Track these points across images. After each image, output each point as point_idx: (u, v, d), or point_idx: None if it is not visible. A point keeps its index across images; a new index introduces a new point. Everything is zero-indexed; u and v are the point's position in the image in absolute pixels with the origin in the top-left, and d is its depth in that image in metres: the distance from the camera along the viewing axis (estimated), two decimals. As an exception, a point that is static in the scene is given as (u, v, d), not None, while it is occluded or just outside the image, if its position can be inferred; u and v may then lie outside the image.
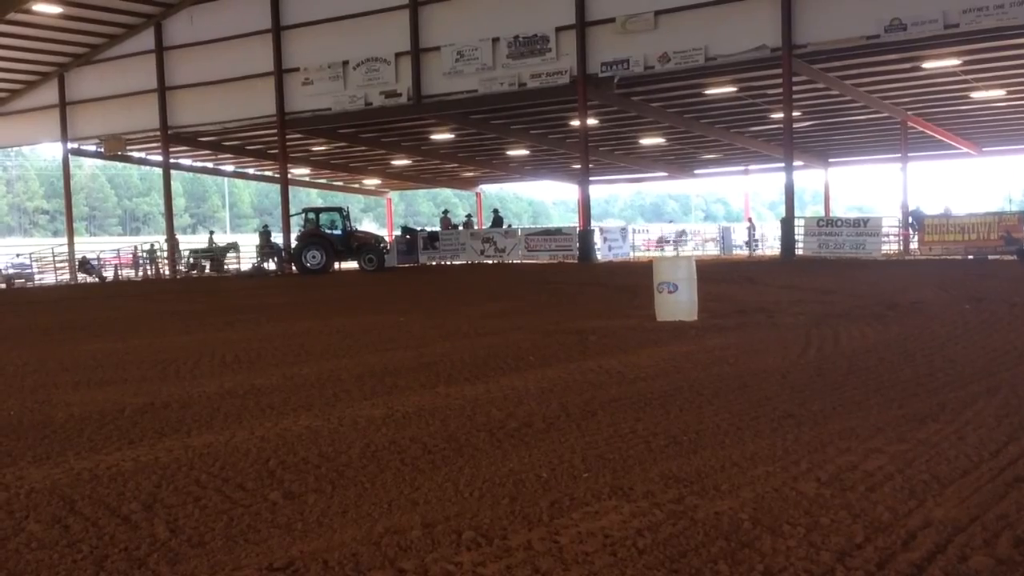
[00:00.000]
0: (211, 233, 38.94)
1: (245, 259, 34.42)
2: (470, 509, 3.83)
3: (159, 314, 15.46)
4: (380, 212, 74.87)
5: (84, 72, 35.82)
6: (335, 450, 4.93)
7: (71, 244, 38.19)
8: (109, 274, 35.42)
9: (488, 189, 61.38)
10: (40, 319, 15.29)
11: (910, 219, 27.71)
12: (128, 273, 36.31)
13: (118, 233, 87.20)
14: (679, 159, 45.05)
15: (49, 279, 35.63)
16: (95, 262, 35.70)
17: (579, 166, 30.29)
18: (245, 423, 5.71)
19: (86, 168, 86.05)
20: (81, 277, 34.52)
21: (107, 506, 4.02)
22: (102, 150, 37.73)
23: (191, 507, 3.97)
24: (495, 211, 36.12)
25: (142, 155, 40.80)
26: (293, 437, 5.26)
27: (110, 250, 39.42)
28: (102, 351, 9.67)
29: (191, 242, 42.43)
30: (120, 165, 68.24)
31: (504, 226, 34.79)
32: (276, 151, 34.13)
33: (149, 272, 35.03)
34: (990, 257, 23.13)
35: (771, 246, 36.26)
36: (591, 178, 30.76)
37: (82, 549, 3.49)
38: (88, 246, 43.09)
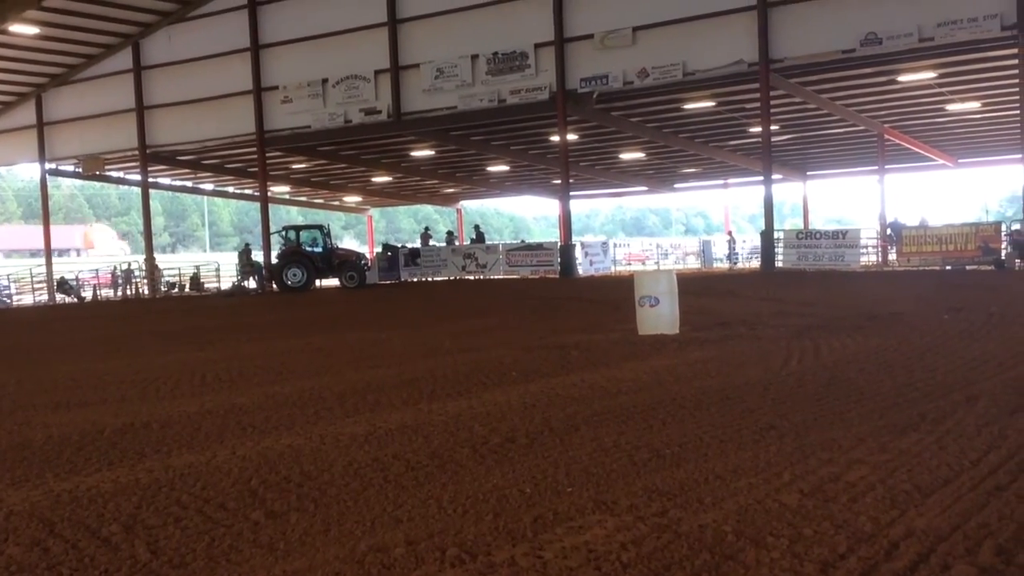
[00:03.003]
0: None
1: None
2: (454, 525, 3.82)
3: (138, 334, 15.34)
4: (361, 229, 74.75)
5: (62, 92, 35.64)
6: (317, 468, 4.90)
7: (49, 264, 37.87)
8: (88, 294, 35.15)
9: (469, 205, 61.39)
10: (18, 340, 15.15)
11: (888, 231, 27.94)
12: (107, 293, 36.04)
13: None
14: (659, 173, 45.26)
15: (27, 300, 35.32)
16: (74, 282, 35.41)
17: (559, 181, 30.39)
18: (226, 442, 5.67)
19: (64, 188, 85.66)
20: (60, 297, 34.21)
21: (87, 528, 3.97)
22: (80, 170, 37.48)
23: (172, 528, 3.94)
24: (476, 227, 36.08)
25: (120, 174, 40.50)
26: (275, 456, 5.23)
27: (88, 270, 39.11)
28: (81, 372, 9.59)
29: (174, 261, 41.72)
30: (98, 185, 68.00)
31: (486, 242, 34.77)
32: (256, 169, 33.95)
33: (128, 292, 34.77)
34: (968, 267, 23.35)
35: (751, 254, 36.18)
36: (572, 193, 30.85)
37: (62, 572, 3.45)
38: (67, 266, 42.77)
